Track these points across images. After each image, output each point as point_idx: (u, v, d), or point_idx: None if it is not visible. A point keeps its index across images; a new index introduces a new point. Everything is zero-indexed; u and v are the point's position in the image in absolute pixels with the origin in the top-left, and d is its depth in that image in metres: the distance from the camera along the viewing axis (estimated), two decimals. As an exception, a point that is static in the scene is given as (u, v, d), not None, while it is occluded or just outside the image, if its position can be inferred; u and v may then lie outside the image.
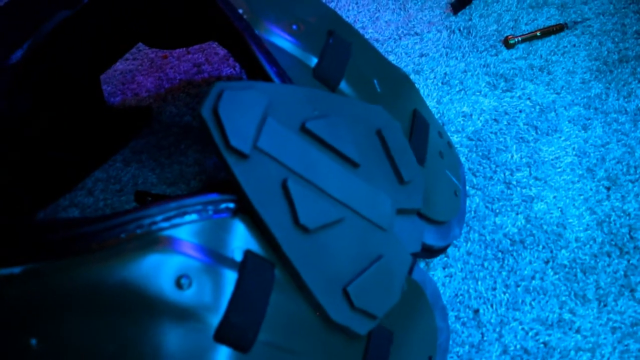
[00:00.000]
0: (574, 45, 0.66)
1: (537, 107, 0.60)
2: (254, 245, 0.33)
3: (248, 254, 0.33)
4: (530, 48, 0.66)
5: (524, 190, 0.54)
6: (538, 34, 0.66)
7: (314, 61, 0.43)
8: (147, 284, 0.30)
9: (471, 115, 0.60)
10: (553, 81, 0.63)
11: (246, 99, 0.34)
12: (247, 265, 0.32)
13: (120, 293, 0.29)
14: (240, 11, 0.42)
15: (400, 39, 0.68)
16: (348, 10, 0.72)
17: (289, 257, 0.33)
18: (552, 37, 0.67)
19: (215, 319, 0.30)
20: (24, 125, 0.50)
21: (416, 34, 0.69)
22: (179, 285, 0.30)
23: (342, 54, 0.44)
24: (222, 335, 0.30)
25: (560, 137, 0.58)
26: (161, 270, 0.30)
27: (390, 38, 0.69)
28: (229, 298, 0.31)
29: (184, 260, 0.30)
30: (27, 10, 0.79)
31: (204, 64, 0.72)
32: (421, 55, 0.66)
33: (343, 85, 0.43)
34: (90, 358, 0.29)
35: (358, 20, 0.71)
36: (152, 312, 0.30)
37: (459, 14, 0.70)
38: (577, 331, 0.45)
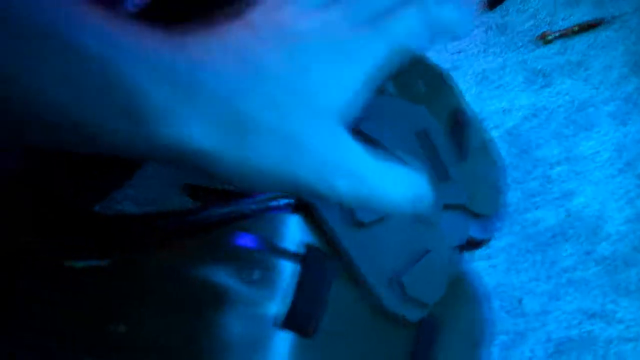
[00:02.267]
0: (612, 40, 0.66)
1: (575, 102, 0.61)
2: (313, 239, 0.36)
3: (309, 247, 0.35)
4: (567, 43, 0.67)
5: (563, 185, 0.55)
6: (575, 29, 0.67)
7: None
8: (219, 278, 0.32)
9: (509, 110, 0.61)
10: (591, 76, 0.63)
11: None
12: (309, 258, 0.34)
13: (194, 286, 0.32)
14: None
15: (437, 36, 0.70)
16: (385, 9, 0.74)
17: (348, 251, 0.36)
18: (589, 32, 0.67)
19: (278, 308, 0.33)
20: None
21: (453, 31, 0.70)
22: (247, 277, 0.33)
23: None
24: (289, 323, 0.33)
25: (599, 132, 0.59)
26: (232, 265, 0.32)
27: (427, 36, 0.70)
28: (294, 288, 0.34)
29: (252, 254, 0.33)
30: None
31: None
32: (459, 52, 0.68)
33: (390, 87, 0.45)
34: (170, 348, 0.31)
35: (395, 19, 0.73)
36: (223, 304, 0.32)
37: (495, 10, 0.72)
38: (620, 321, 0.47)
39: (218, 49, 0.22)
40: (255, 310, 0.33)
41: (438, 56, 0.65)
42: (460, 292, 0.46)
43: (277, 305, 0.34)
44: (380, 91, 0.45)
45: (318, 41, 0.22)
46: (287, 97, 0.21)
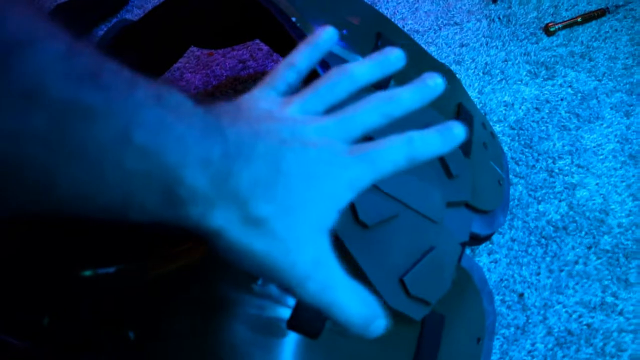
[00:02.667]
0: (616, 30, 0.66)
1: (579, 94, 0.62)
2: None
3: (314, 249, 0.36)
4: (571, 34, 0.67)
5: (566, 178, 0.56)
6: (579, 19, 0.67)
7: (363, 63, 0.45)
8: (228, 283, 0.33)
9: (513, 104, 0.62)
10: (594, 68, 0.63)
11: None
12: (314, 259, 0.36)
13: (204, 291, 0.33)
14: (294, 19, 0.44)
15: (440, 29, 0.70)
16: (387, 2, 0.74)
17: (351, 252, 0.37)
18: (593, 22, 0.67)
19: (287, 311, 0.34)
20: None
21: (456, 23, 0.70)
22: (254, 282, 0.34)
23: (391, 56, 0.46)
24: (295, 324, 0.34)
25: (602, 125, 0.59)
26: (240, 270, 0.33)
27: (430, 29, 0.70)
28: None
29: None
30: (83, 14, 0.83)
31: (249, 60, 0.75)
32: (461, 46, 0.68)
33: (392, 86, 0.46)
34: (180, 354, 0.32)
35: (397, 11, 0.73)
36: (232, 308, 0.33)
37: (498, 1, 0.71)
38: (620, 313, 0.48)
39: (251, 143, 0.25)
40: (262, 313, 0.34)
41: (440, 50, 0.65)
42: (464, 287, 0.48)
43: (283, 308, 0.35)
44: (383, 88, 0.46)
45: (322, 154, 0.26)
46: (293, 202, 0.25)
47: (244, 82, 0.73)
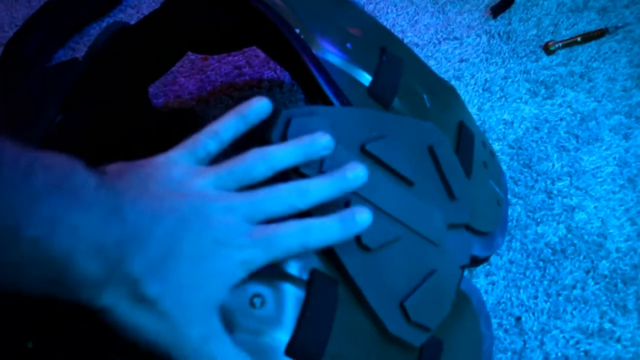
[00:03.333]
0: (615, 52, 0.66)
1: (578, 115, 0.61)
2: (319, 264, 0.35)
3: (314, 272, 0.35)
4: (571, 54, 0.66)
5: (565, 200, 0.55)
6: (579, 39, 0.67)
7: (367, 78, 0.44)
8: (224, 304, 0.32)
9: (512, 122, 0.61)
10: (594, 88, 0.63)
11: (311, 125, 0.36)
12: (314, 284, 0.34)
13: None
14: (297, 31, 0.43)
15: (439, 43, 0.69)
16: (387, 13, 0.73)
17: (352, 276, 0.35)
18: (593, 42, 0.67)
19: (285, 335, 0.33)
20: (79, 133, 0.52)
21: (455, 38, 0.69)
22: (252, 304, 0.32)
23: (395, 72, 0.45)
24: (293, 350, 0.32)
25: (601, 147, 0.59)
26: (237, 291, 0.32)
27: (429, 42, 0.69)
28: (298, 315, 0.33)
29: (257, 281, 0.33)
30: (74, 12, 0.80)
31: (245, 67, 0.74)
32: (461, 61, 0.67)
33: (396, 103, 0.45)
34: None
35: (397, 23, 0.72)
36: (227, 331, 0.32)
37: (498, 17, 0.71)
38: (618, 340, 0.47)
39: (148, 226, 0.26)
40: (258, 338, 0.33)
41: (440, 65, 0.64)
42: (462, 310, 0.46)
43: (281, 332, 0.33)
44: (386, 107, 0.44)
45: (220, 235, 0.28)
46: (183, 281, 0.26)
47: (239, 89, 0.72)
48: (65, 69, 0.53)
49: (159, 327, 0.26)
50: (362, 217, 0.31)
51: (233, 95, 0.70)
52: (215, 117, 0.72)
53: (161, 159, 0.30)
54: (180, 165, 0.30)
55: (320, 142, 0.33)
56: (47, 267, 0.23)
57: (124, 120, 0.58)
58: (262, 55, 0.74)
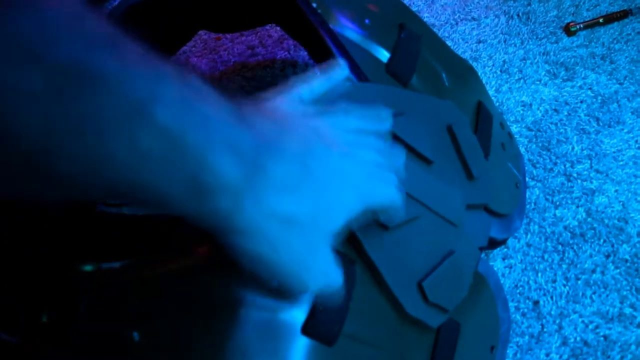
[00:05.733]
0: (638, 33, 0.64)
1: (599, 97, 0.60)
2: (336, 243, 0.35)
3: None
4: (592, 35, 0.65)
5: (584, 183, 0.54)
6: (600, 20, 0.65)
7: (384, 55, 0.43)
8: (240, 282, 0.31)
9: (531, 105, 0.60)
10: (616, 71, 0.61)
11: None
12: (332, 262, 0.33)
13: (214, 290, 0.31)
14: (314, 5, 0.42)
15: (457, 24, 0.68)
16: (403, -7, 0.72)
17: (370, 255, 0.35)
18: (615, 23, 0.65)
19: (302, 314, 0.32)
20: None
21: (473, 19, 0.68)
22: (265, 282, 0.32)
23: (413, 49, 0.44)
24: (309, 329, 0.32)
25: (622, 130, 0.57)
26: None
27: (446, 23, 0.68)
28: (315, 294, 0.33)
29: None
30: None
31: (258, 47, 0.72)
32: (479, 42, 0.66)
33: (414, 80, 0.43)
34: (186, 355, 0.30)
35: (413, 3, 0.71)
36: (242, 309, 0.31)
37: (517, -2, 0.69)
38: (638, 326, 0.46)
39: (285, 138, 0.24)
40: (274, 315, 0.32)
41: (457, 46, 0.63)
42: (480, 292, 0.46)
43: (297, 311, 0.33)
44: (404, 84, 0.43)
45: (353, 166, 0.27)
46: (318, 206, 0.25)
47: (252, 69, 0.71)
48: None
49: (291, 251, 0.25)
50: None
51: (246, 75, 0.69)
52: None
53: (264, 97, 0.28)
54: (288, 102, 0.29)
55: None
56: (179, 164, 0.20)
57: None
58: (275, 35, 0.73)
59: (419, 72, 0.44)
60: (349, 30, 0.43)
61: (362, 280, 0.35)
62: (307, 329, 0.32)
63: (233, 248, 0.24)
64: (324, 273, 0.27)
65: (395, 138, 0.37)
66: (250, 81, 0.69)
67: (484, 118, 0.49)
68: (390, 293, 0.36)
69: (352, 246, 0.35)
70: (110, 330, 0.30)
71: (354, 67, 0.41)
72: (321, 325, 0.32)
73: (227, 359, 0.30)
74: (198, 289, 0.31)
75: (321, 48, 0.42)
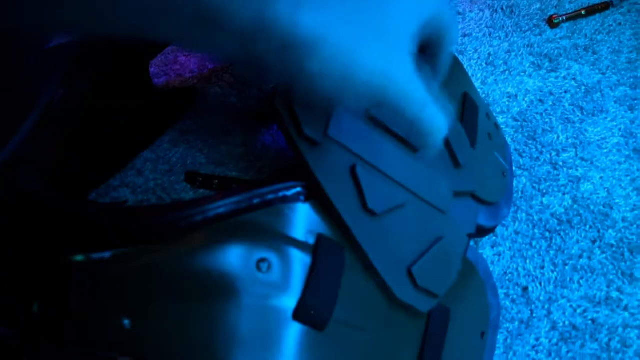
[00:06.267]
0: (620, 24, 0.65)
1: (583, 87, 0.61)
2: (325, 229, 0.35)
3: (320, 237, 0.34)
4: (575, 27, 0.66)
5: (570, 171, 0.55)
6: (583, 12, 0.66)
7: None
8: (230, 269, 0.31)
9: (516, 96, 0.60)
10: (598, 61, 0.62)
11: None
12: (320, 248, 0.34)
13: (204, 277, 0.31)
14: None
15: (442, 18, 0.68)
16: (388, -11, 0.72)
17: (358, 240, 0.35)
18: (597, 15, 0.66)
19: (292, 300, 0.32)
20: (80, 108, 0.51)
21: (458, 13, 0.69)
22: (258, 268, 0.32)
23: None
24: (300, 315, 0.32)
25: (606, 118, 0.58)
26: (243, 256, 0.32)
27: (432, 18, 0.69)
28: (305, 280, 0.33)
29: (263, 245, 0.32)
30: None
31: (246, 46, 0.73)
32: (464, 35, 0.66)
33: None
34: (178, 341, 0.30)
35: (399, -1, 0.71)
36: (234, 296, 0.31)
37: (501, -8, 0.70)
38: (625, 309, 0.47)
39: None
40: (266, 302, 0.33)
41: (443, 39, 0.63)
42: (469, 279, 0.46)
43: (288, 297, 0.33)
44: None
45: None
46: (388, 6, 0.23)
47: (240, 68, 0.71)
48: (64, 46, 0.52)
49: (370, 53, 0.23)
50: None
51: (234, 72, 0.70)
52: (216, 95, 0.71)
53: None
54: None
55: None
56: None
57: (124, 99, 0.58)
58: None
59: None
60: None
61: (351, 266, 0.35)
62: (297, 315, 0.32)
63: (310, 79, 0.22)
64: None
65: (380, 124, 0.38)
66: (239, 78, 0.69)
67: (469, 107, 0.49)
68: (379, 278, 0.36)
69: (340, 232, 0.35)
70: (101, 319, 0.31)
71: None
72: (311, 310, 0.32)
73: (219, 346, 0.30)
74: (189, 277, 0.31)
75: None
